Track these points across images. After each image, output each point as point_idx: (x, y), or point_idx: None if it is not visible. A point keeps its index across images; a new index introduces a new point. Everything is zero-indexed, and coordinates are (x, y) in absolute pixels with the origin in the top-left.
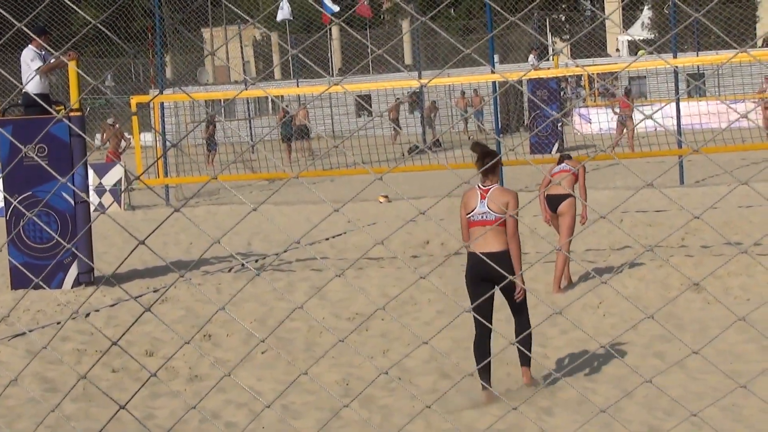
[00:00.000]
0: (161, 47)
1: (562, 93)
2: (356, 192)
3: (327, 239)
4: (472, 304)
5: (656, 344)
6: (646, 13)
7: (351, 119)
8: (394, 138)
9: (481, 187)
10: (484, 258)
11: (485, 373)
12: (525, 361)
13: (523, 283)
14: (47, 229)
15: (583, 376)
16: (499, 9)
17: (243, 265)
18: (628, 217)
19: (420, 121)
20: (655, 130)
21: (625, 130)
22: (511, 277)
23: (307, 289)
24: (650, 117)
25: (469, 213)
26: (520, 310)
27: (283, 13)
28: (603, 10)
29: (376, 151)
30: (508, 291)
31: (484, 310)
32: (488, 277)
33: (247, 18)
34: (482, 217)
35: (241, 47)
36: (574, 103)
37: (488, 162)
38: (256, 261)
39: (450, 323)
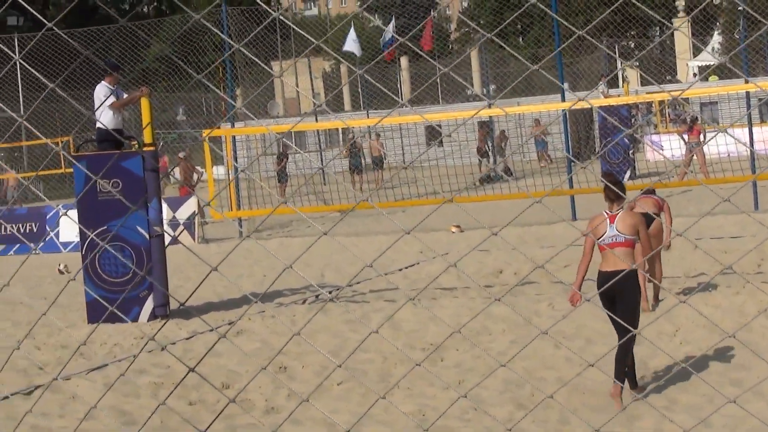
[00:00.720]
0: (232, 80)
1: (632, 120)
2: (428, 222)
3: (400, 270)
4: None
5: (733, 372)
6: (716, 38)
7: (422, 149)
8: (480, 168)
9: (609, 213)
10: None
11: (620, 373)
12: (620, 375)
13: (647, 299)
14: (123, 259)
15: (660, 405)
16: (569, 27)
17: (317, 296)
18: (702, 243)
19: (492, 150)
20: (728, 156)
21: (694, 157)
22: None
23: (381, 319)
24: (724, 130)
25: (599, 238)
26: (626, 329)
27: (350, 45)
28: (672, 35)
29: (447, 181)
30: (625, 307)
31: (618, 325)
32: (614, 293)
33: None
34: (612, 239)
35: (311, 79)
36: (634, 126)
37: (614, 191)
38: (330, 292)
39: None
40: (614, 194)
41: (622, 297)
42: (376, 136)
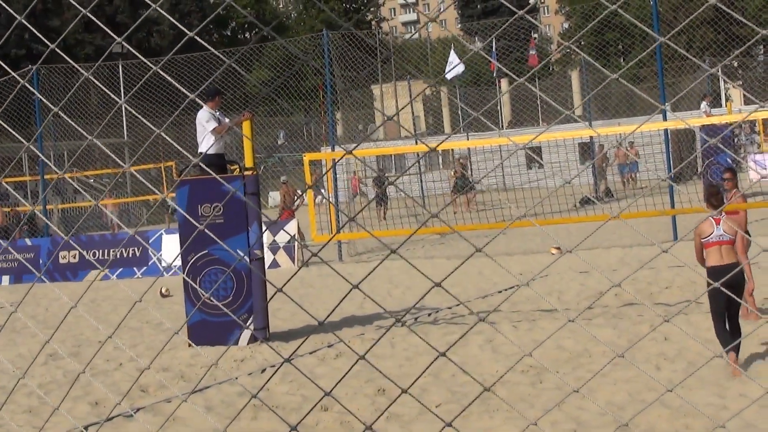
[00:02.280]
0: (332, 105)
1: (735, 140)
2: (529, 244)
3: (500, 292)
4: (713, 306)
5: None
6: None
7: (522, 171)
8: (603, 188)
9: (714, 217)
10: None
11: (727, 345)
12: (736, 350)
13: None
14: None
15: (767, 429)
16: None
17: (416, 318)
18: None
19: (591, 171)
20: None
21: None
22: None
23: (482, 342)
24: None
25: (706, 237)
26: (736, 314)
27: (455, 71)
28: None
29: (549, 203)
30: (737, 293)
31: (722, 309)
32: (725, 284)
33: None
34: (719, 238)
35: (411, 103)
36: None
37: (716, 199)
38: (429, 314)
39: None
40: (717, 202)
41: (738, 285)
42: (458, 159)
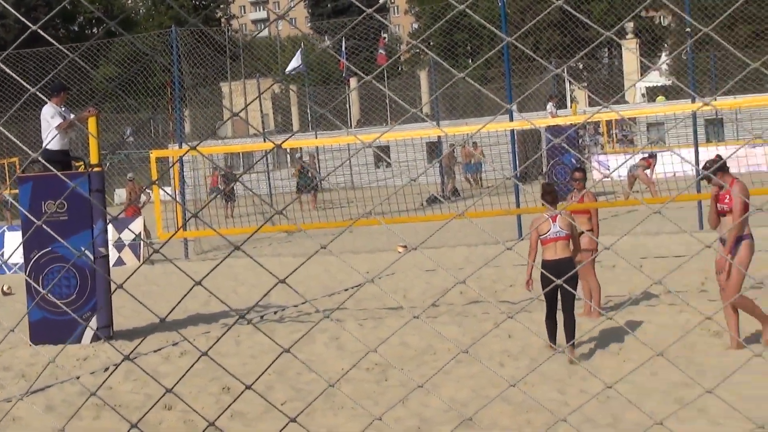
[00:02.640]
0: (180, 102)
1: (580, 141)
2: (375, 242)
3: (346, 290)
4: (546, 297)
5: (677, 390)
6: (664, 59)
7: (370, 170)
8: (450, 187)
9: (550, 215)
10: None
11: (553, 336)
12: (569, 340)
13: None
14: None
15: (605, 424)
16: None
17: (262, 317)
18: (648, 263)
19: (439, 170)
20: (674, 175)
21: (637, 180)
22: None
23: (327, 339)
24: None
25: (544, 234)
26: (570, 308)
27: (294, 64)
28: (620, 57)
29: (396, 201)
30: (571, 286)
31: (552, 300)
32: (558, 276)
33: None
34: (556, 235)
35: (260, 100)
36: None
37: (550, 197)
38: (275, 313)
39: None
40: (552, 199)
41: (569, 279)
42: (310, 157)
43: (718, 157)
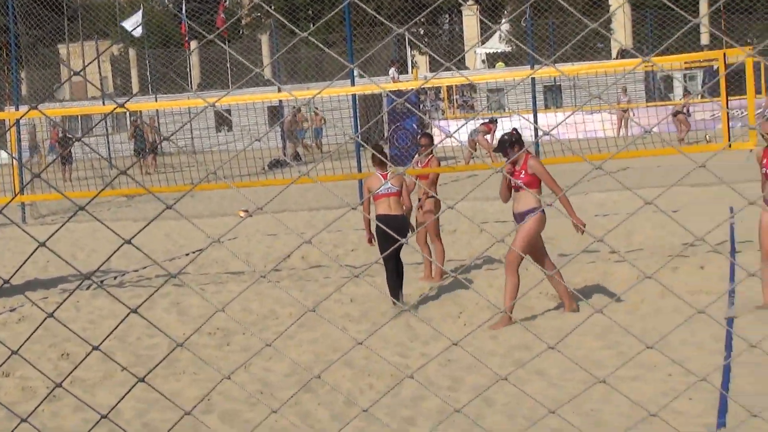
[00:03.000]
0: (16, 63)
1: (421, 106)
2: (216, 207)
3: (187, 254)
4: (382, 252)
5: (516, 353)
6: (504, 26)
7: (212, 134)
8: (291, 151)
9: (381, 173)
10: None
11: (395, 292)
12: (400, 288)
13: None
14: None
15: (446, 387)
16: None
17: (102, 282)
18: (488, 227)
19: (280, 134)
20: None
21: (477, 145)
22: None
23: (168, 305)
24: (548, 132)
25: (375, 191)
26: (399, 258)
27: (132, 24)
28: (461, 23)
29: (237, 166)
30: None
31: (391, 255)
32: (392, 231)
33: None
34: (387, 191)
35: (99, 62)
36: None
37: (379, 156)
38: (115, 278)
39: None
40: (379, 160)
41: (403, 232)
42: (150, 120)
43: (515, 131)
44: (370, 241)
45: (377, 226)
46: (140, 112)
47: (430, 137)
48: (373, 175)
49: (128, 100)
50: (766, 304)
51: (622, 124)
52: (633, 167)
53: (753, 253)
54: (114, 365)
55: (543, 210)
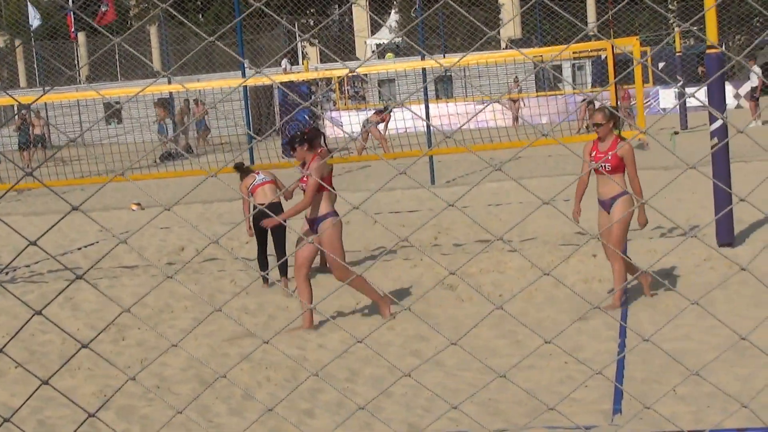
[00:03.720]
0: None
1: (312, 97)
2: (107, 200)
3: (79, 249)
4: (258, 237)
5: (413, 343)
6: (394, 17)
7: (101, 126)
8: (183, 144)
9: (253, 170)
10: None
11: (263, 268)
12: (284, 273)
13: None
14: None
15: (344, 378)
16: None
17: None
18: (381, 218)
19: (171, 127)
20: (406, 131)
21: (369, 136)
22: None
23: (62, 300)
24: (399, 104)
25: (251, 183)
26: (280, 246)
27: (34, 18)
28: (351, 14)
29: (129, 158)
30: (277, 229)
31: (263, 240)
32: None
33: None
34: (262, 181)
35: None
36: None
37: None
38: (6, 273)
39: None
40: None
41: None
42: (37, 113)
43: (312, 129)
44: (249, 232)
45: (253, 217)
46: (29, 105)
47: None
48: (248, 176)
49: (33, 99)
50: (614, 304)
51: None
52: (525, 156)
53: (643, 241)
54: (6, 362)
55: (335, 213)
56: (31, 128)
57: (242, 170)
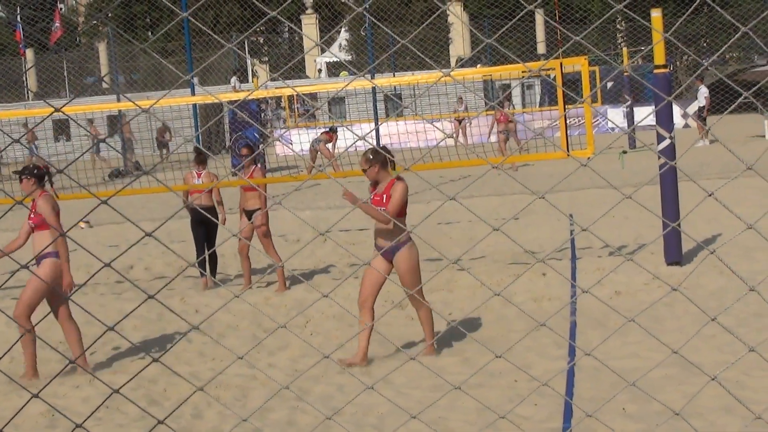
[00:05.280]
0: None
1: (263, 115)
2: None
3: (27, 266)
4: (194, 235)
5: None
6: (344, 35)
7: (50, 144)
8: (133, 161)
9: (195, 173)
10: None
11: (203, 267)
12: (213, 271)
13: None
14: None
15: (293, 398)
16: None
17: None
18: (332, 236)
19: (121, 145)
20: (356, 150)
21: (318, 154)
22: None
23: (7, 319)
24: (363, 138)
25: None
26: (212, 244)
27: None
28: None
29: (77, 176)
30: (210, 227)
31: (201, 239)
32: (203, 220)
33: None
34: (199, 182)
35: None
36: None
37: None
38: None
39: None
40: (201, 160)
41: (212, 222)
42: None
43: (46, 169)
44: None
45: (192, 214)
46: None
47: (250, 148)
48: (189, 173)
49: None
50: (353, 362)
51: (460, 132)
52: (473, 174)
53: (592, 260)
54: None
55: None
56: None
57: (199, 155)
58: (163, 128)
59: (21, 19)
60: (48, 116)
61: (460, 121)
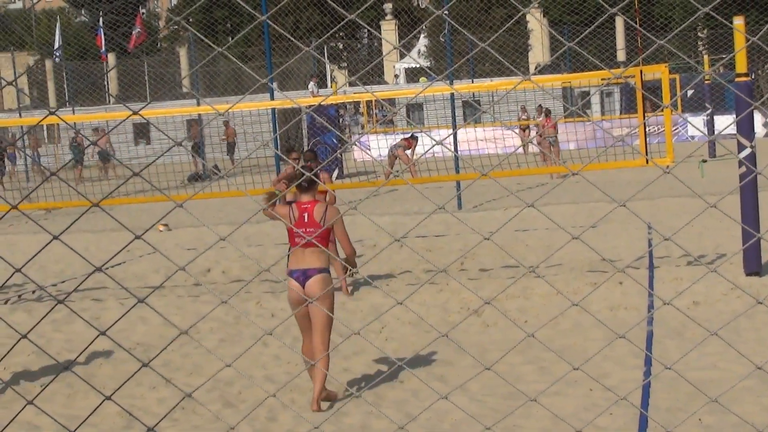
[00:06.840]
0: None
1: (340, 120)
2: (135, 221)
3: (106, 268)
4: None
5: (438, 368)
6: (423, 41)
7: (130, 147)
8: (212, 164)
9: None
10: None
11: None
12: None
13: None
14: None
15: (367, 402)
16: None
17: (19, 296)
18: (408, 242)
19: (198, 148)
20: (434, 156)
21: (398, 160)
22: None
23: (88, 319)
24: (440, 143)
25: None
26: None
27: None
28: (380, 38)
29: (157, 179)
30: None
31: None
32: None
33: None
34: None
35: (15, 74)
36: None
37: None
38: (33, 292)
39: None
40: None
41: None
42: (76, 132)
43: None
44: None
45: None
46: (57, 125)
47: (313, 152)
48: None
49: (44, 120)
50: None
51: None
52: (550, 182)
53: (670, 269)
54: (33, 381)
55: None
56: (81, 145)
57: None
58: (231, 130)
59: (103, 23)
60: (125, 119)
61: (524, 129)
